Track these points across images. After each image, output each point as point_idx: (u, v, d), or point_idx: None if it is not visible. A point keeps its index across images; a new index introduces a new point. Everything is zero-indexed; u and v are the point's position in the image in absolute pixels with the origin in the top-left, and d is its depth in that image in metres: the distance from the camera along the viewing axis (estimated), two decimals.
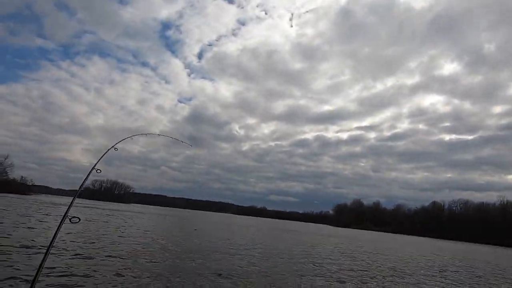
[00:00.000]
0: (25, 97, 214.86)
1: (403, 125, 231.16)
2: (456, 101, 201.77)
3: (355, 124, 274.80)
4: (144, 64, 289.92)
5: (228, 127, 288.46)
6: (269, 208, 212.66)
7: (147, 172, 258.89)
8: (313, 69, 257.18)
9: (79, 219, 2.42)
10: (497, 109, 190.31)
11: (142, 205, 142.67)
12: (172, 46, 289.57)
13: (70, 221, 2.33)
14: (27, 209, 22.93)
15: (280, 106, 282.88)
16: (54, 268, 6.03)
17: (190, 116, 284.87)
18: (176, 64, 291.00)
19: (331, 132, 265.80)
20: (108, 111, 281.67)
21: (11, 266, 5.89)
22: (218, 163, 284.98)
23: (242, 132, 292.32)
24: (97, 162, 3.25)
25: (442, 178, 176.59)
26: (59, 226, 2.31)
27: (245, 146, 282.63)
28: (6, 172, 75.29)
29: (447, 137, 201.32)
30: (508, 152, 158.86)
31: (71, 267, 6.33)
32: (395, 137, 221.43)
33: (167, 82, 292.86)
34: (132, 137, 4.23)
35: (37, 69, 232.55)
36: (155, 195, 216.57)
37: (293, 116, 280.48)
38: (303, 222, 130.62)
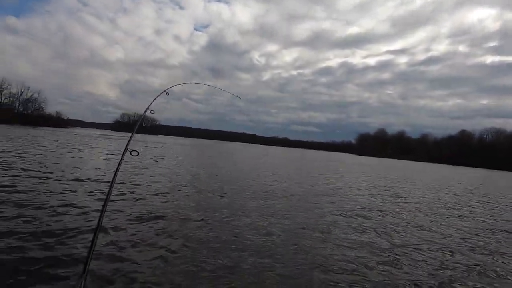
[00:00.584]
0: (43, 30, 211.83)
1: (441, 47, 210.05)
2: (510, 15, 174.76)
3: (385, 47, 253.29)
4: None
5: (248, 56, 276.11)
6: (291, 138, 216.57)
7: (170, 104, 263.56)
8: None
9: (138, 153, 2.44)
10: None
11: (170, 136, 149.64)
12: None
13: (130, 154, 2.42)
14: (75, 140, 24.31)
15: (302, 30, 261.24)
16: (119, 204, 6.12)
17: (208, 46, 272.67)
18: None
19: (358, 58, 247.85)
20: (126, 43, 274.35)
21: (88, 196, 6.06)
22: (239, 94, 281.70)
23: (262, 60, 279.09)
24: (150, 105, 3.38)
25: (476, 105, 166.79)
26: (121, 159, 2.33)
27: (266, 76, 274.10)
28: (42, 107, 79.30)
29: (489, 59, 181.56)
30: None
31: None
32: (430, 61, 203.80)
33: (181, 7, 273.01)
34: (183, 84, 4.39)
35: None
36: (181, 127, 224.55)
37: (316, 41, 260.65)
38: (325, 152, 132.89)
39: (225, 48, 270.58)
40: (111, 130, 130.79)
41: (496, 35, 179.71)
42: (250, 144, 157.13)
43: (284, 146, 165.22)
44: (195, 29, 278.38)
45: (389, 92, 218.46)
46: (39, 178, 7.02)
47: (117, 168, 2.23)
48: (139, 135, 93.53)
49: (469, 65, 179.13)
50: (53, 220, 4.23)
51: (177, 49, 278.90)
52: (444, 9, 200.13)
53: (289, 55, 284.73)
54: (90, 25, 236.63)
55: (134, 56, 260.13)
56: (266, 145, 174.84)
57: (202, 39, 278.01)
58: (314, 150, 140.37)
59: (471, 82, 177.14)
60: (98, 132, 76.86)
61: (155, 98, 3.49)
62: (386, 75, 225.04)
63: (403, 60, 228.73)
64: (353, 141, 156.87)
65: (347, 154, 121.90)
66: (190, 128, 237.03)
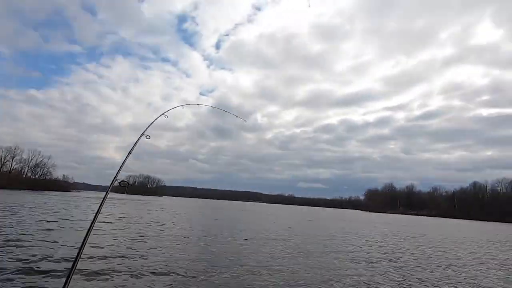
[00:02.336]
0: (60, 101, 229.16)
1: (435, 102, 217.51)
2: (496, 72, 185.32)
3: (382, 104, 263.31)
4: (165, 60, 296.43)
5: (253, 117, 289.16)
6: (297, 196, 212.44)
7: (176, 165, 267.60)
8: (334, 50, 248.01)
9: (128, 183, 2.46)
10: None
11: (174, 197, 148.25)
12: (189, 39, 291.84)
13: (120, 184, 2.42)
14: (68, 204, 24.17)
15: (301, 91, 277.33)
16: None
17: (213, 108, 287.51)
18: (195, 57, 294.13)
19: (357, 115, 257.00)
20: (135, 109, 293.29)
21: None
22: (244, 153, 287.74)
23: (265, 120, 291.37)
24: (147, 129, 3.24)
25: (482, 156, 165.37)
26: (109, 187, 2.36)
27: (269, 134, 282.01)
28: (50, 172, 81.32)
29: (485, 112, 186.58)
30: None
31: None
32: (427, 115, 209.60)
33: (188, 75, 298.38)
34: (183, 106, 4.49)
35: (68, 73, 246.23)
36: (185, 187, 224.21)
37: (315, 101, 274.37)
38: (334, 209, 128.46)
39: (230, 110, 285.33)
40: (115, 192, 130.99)
41: (486, 90, 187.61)
42: (254, 202, 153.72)
43: (290, 204, 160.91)
44: (201, 94, 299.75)
45: (391, 146, 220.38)
46: None
47: (105, 195, 2.30)
48: (141, 196, 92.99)
49: (467, 119, 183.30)
50: None
51: (183, 111, 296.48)
52: (432, 69, 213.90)
53: (290, 115, 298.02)
54: (104, 95, 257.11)
55: (143, 120, 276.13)
56: (272, 203, 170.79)
57: (207, 102, 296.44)
58: (322, 208, 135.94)
59: (472, 135, 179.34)
60: (100, 194, 76.83)
61: (154, 121, 3.44)
62: (386, 131, 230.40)
63: (401, 115, 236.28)
64: (361, 197, 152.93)
65: (358, 211, 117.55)
66: (195, 188, 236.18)
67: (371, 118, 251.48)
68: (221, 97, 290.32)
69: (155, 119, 3.47)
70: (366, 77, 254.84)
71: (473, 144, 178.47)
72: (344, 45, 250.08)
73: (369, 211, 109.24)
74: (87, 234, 2.09)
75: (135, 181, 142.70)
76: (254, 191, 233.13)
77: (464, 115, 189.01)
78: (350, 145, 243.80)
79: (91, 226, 2.16)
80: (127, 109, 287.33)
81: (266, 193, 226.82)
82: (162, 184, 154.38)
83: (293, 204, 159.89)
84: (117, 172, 2.49)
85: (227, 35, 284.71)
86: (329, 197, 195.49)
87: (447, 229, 28.04)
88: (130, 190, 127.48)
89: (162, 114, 3.70)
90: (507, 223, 64.67)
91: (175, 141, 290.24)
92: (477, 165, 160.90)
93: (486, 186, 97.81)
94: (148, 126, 3.30)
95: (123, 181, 2.40)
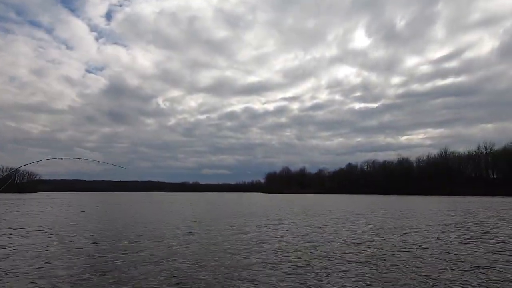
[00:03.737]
0: None
1: (323, 96, 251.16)
2: (365, 73, 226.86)
3: (280, 95, 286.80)
4: (34, 24, 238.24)
5: (154, 101, 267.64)
6: (202, 182, 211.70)
7: (57, 155, 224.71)
8: (238, 38, 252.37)
9: None
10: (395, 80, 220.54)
11: (54, 192, 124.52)
12: (69, 3, 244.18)
13: None
14: None
15: (206, 77, 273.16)
16: None
17: (106, 89, 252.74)
18: (79, 26, 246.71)
19: (258, 104, 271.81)
20: None
21: None
22: (143, 140, 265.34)
23: (167, 105, 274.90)
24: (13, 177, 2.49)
25: (353, 142, 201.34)
26: None
27: (172, 121, 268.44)
28: None
29: (357, 105, 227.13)
30: (402, 117, 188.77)
31: None
32: (316, 107, 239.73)
33: (69, 47, 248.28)
34: (38, 162, 4.03)
35: None
36: (72, 180, 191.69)
37: (220, 88, 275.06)
38: (236, 193, 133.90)
39: (128, 92, 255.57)
40: None
41: (359, 87, 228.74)
42: (156, 192, 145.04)
43: (195, 191, 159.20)
44: (87, 71, 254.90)
45: (287, 134, 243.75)
46: None
47: None
48: (4, 194, 73.77)
49: (344, 111, 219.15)
50: None
51: (64, 91, 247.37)
52: (321, 66, 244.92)
53: (194, 100, 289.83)
54: None
55: (5, 98, 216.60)
56: (176, 191, 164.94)
57: (97, 81, 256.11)
58: (226, 193, 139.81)
59: (347, 124, 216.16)
60: None
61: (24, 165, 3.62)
62: (283, 119, 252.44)
63: (295, 106, 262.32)
64: (262, 180, 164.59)
65: (257, 193, 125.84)
66: (84, 180, 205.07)
67: (270, 107, 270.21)
68: (115, 77, 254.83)
69: (26, 164, 3.59)
70: (267, 68, 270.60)
71: (348, 132, 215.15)
72: (247, 35, 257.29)
73: (268, 193, 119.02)
74: None
75: None
76: (156, 180, 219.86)
77: (342, 108, 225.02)
78: (252, 132, 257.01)
79: None
80: None
81: (170, 181, 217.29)
82: (37, 178, 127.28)
83: (198, 191, 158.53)
84: None
85: (120, 5, 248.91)
86: (233, 182, 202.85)
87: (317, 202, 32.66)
88: None
89: (35, 162, 4.29)
90: (371, 194, 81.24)
91: (53, 126, 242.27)
92: (351, 150, 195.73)
93: (357, 166, 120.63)
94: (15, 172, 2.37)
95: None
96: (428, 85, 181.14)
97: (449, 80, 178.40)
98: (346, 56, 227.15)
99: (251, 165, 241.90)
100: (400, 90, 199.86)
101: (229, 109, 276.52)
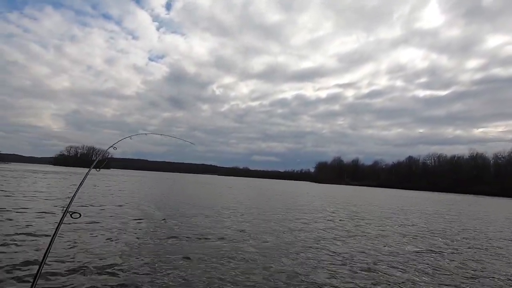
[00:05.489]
0: None
1: (381, 82, 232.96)
2: (434, 55, 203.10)
3: (334, 81, 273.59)
4: (106, 17, 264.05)
5: (210, 88, 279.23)
6: (251, 168, 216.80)
7: (124, 136, 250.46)
8: (291, 21, 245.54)
9: (80, 215, 2.03)
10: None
11: (124, 170, 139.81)
12: None
13: (71, 216, 2.04)
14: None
15: (258, 63, 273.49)
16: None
17: (169, 76, 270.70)
18: (143, 17, 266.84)
19: (310, 91, 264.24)
20: (73, 72, 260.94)
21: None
22: (198, 124, 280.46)
23: (221, 91, 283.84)
24: (96, 162, 2.98)
25: (415, 133, 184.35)
26: (60, 223, 1.94)
27: (225, 107, 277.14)
28: None
29: (422, 93, 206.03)
30: (478, 106, 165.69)
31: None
32: (373, 94, 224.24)
33: (134, 37, 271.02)
34: (131, 136, 3.88)
35: None
36: (136, 159, 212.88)
37: (272, 74, 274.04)
38: (285, 180, 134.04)
39: (186, 79, 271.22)
40: (54, 165, 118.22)
41: (425, 72, 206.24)
42: (210, 175, 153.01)
43: (245, 176, 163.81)
44: (150, 59, 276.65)
45: (340, 122, 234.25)
46: None
47: (54, 232, 1.88)
48: (84, 169, 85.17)
49: (406, 98, 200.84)
50: None
51: (130, 78, 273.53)
52: (381, 49, 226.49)
53: (246, 87, 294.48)
54: (33, 53, 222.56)
55: (83, 84, 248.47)
56: (227, 175, 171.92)
57: (158, 69, 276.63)
58: (276, 180, 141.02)
59: (409, 113, 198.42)
60: (35, 167, 68.03)
61: (105, 151, 3.30)
62: (336, 107, 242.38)
63: (350, 93, 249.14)
64: (312, 169, 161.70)
65: (307, 182, 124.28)
66: (147, 160, 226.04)
67: (323, 94, 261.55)
68: (175, 65, 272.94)
69: (106, 150, 3.55)
70: (321, 52, 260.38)
71: (409, 122, 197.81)
72: (301, 17, 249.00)
73: (319, 183, 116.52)
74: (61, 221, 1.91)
75: (77, 153, 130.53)
76: (209, 163, 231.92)
77: (404, 95, 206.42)
78: (303, 120, 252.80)
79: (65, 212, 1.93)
80: (62, 71, 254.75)
81: (222, 165, 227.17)
82: (109, 156, 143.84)
83: (248, 177, 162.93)
84: (96, 159, 2.43)
85: None
86: (282, 170, 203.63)
87: (371, 196, 30.56)
88: (71, 163, 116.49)
89: (111, 146, 3.42)
90: (433, 191, 74.11)
91: (123, 110, 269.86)
92: (411, 141, 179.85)
93: (419, 160, 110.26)
94: (96, 161, 3.02)
95: (75, 212, 2.09)
96: None
97: None
98: (412, 37, 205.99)
99: (301, 154, 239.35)
100: (478, 75, 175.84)
101: (280, 96, 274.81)
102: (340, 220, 10.28)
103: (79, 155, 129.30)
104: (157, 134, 4.69)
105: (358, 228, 8.72)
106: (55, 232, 1.85)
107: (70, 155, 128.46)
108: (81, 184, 2.33)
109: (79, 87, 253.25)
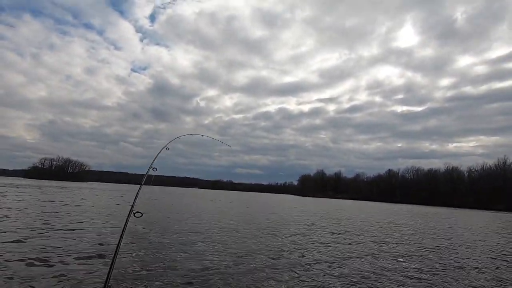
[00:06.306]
0: None
1: (361, 97, 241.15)
2: (409, 73, 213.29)
3: (316, 96, 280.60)
4: (88, 26, 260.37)
5: (195, 100, 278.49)
6: (235, 181, 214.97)
7: (104, 149, 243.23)
8: (274, 37, 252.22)
9: (142, 214, 2.25)
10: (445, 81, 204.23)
11: (101, 183, 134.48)
12: (119, 5, 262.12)
13: (134, 215, 2.23)
14: None
15: (241, 77, 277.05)
16: None
17: (150, 88, 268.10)
18: (126, 27, 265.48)
19: (293, 105, 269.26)
20: (50, 81, 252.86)
21: None
22: (181, 137, 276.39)
23: (203, 104, 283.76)
24: (152, 163, 3.07)
25: (394, 147, 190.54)
26: (126, 223, 2.09)
27: (208, 119, 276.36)
28: None
29: (399, 108, 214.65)
30: (451, 122, 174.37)
31: None
32: (353, 109, 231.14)
33: (117, 48, 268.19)
34: (180, 137, 4.27)
35: None
36: (115, 172, 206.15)
37: (255, 88, 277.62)
38: (268, 194, 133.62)
39: (170, 91, 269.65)
40: (26, 177, 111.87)
41: (402, 89, 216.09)
42: (191, 188, 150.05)
43: (227, 190, 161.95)
44: (133, 70, 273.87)
45: (322, 136, 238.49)
46: None
47: (122, 231, 1.98)
48: (60, 182, 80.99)
49: (384, 113, 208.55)
50: None
51: (111, 89, 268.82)
52: (361, 66, 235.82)
53: (229, 100, 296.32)
54: (8, 61, 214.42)
55: (61, 95, 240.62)
56: (210, 189, 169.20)
57: (141, 80, 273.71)
58: (258, 193, 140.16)
59: (387, 128, 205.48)
60: (5, 180, 63.91)
61: (157, 155, 3.23)
62: (318, 121, 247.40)
63: (331, 107, 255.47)
64: (295, 182, 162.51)
65: (291, 196, 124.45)
66: (127, 173, 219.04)
67: (305, 108, 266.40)
68: (158, 76, 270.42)
69: (159, 152, 3.32)
70: (303, 68, 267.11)
71: (388, 136, 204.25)
72: (284, 34, 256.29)
73: (302, 196, 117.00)
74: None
75: (51, 165, 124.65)
76: (192, 176, 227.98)
77: (383, 110, 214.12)
78: (286, 133, 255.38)
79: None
80: (39, 80, 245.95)
81: (205, 179, 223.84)
82: (87, 169, 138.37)
83: (230, 190, 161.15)
84: (148, 169, 2.52)
85: (163, 8, 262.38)
86: (265, 183, 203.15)
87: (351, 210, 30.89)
88: (45, 175, 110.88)
89: (164, 147, 3.55)
90: (412, 204, 76.09)
91: (102, 121, 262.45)
92: (390, 155, 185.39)
93: (398, 173, 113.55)
94: (154, 159, 3.14)
95: (137, 212, 2.31)
96: (483, 88, 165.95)
97: (508, 83, 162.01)
98: (389, 56, 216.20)
99: (284, 167, 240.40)
100: (450, 93, 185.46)
101: (263, 109, 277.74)
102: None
103: (54, 168, 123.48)
104: (199, 134, 5.09)
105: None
106: (123, 229, 1.97)
107: (45, 167, 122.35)
108: (140, 188, 2.45)
109: (56, 97, 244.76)
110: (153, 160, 3.06)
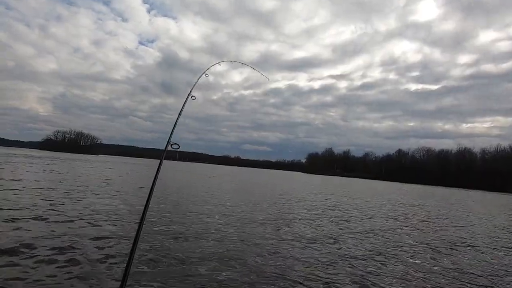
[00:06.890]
0: None
1: (374, 74, 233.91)
2: (427, 49, 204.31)
3: (327, 72, 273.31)
4: None
5: (204, 74, 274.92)
6: (242, 157, 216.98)
7: (114, 122, 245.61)
8: (286, 8, 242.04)
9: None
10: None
11: (112, 156, 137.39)
12: None
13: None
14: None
15: (251, 51, 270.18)
16: None
17: (161, 61, 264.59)
18: None
19: (303, 81, 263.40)
20: (59, 54, 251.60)
21: None
22: (189, 112, 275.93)
23: (212, 79, 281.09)
24: (191, 90, 3.01)
25: (405, 127, 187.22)
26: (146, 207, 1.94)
27: (217, 95, 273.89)
28: None
29: (413, 87, 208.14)
30: (466, 102, 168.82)
31: None
32: (365, 86, 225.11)
33: (124, 19, 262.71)
34: (220, 63, 4.12)
35: None
36: (126, 146, 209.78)
37: (265, 63, 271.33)
38: (275, 170, 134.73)
39: (178, 65, 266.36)
40: (40, 149, 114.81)
41: (417, 66, 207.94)
42: (198, 163, 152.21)
43: (236, 166, 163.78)
44: (140, 43, 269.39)
45: (332, 114, 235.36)
46: None
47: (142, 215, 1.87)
48: (75, 155, 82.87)
49: (398, 92, 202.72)
50: None
51: (119, 62, 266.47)
52: (376, 41, 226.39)
53: (238, 75, 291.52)
54: (16, 31, 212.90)
55: (71, 67, 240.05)
56: (217, 164, 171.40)
57: (149, 54, 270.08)
58: (266, 169, 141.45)
59: (400, 107, 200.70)
60: (15, 151, 65.71)
61: (197, 81, 3.26)
62: (328, 98, 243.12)
63: (343, 84, 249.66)
64: (303, 160, 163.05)
65: (299, 172, 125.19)
66: (136, 147, 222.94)
67: (316, 85, 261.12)
68: (166, 49, 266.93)
69: (198, 79, 3.30)
70: (315, 42, 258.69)
71: (400, 115, 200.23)
72: (296, 5, 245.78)
73: (309, 173, 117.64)
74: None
75: (64, 138, 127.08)
76: (200, 151, 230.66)
77: (396, 88, 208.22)
78: (295, 110, 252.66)
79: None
80: (48, 53, 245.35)
81: (213, 154, 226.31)
82: (98, 142, 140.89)
83: (238, 166, 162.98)
84: (170, 136, 2.36)
85: None
86: (273, 159, 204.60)
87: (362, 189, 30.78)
88: (59, 148, 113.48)
89: (203, 73, 3.54)
90: (421, 185, 75.80)
91: (111, 94, 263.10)
92: (401, 134, 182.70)
93: (408, 153, 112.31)
94: (193, 87, 3.10)
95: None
96: (505, 66, 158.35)
97: None
98: (406, 30, 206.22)
99: (292, 144, 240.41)
100: (469, 71, 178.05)
101: (273, 85, 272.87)
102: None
103: (66, 140, 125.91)
104: (239, 62, 4.66)
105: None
106: (143, 214, 1.88)
107: (58, 139, 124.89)
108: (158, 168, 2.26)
109: (66, 69, 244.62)
110: (182, 108, 2.79)
